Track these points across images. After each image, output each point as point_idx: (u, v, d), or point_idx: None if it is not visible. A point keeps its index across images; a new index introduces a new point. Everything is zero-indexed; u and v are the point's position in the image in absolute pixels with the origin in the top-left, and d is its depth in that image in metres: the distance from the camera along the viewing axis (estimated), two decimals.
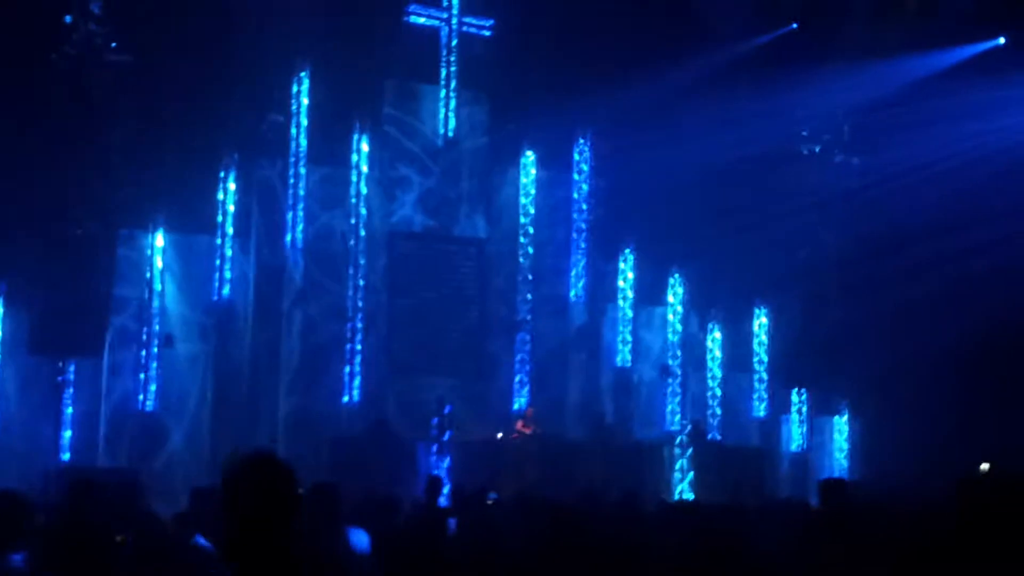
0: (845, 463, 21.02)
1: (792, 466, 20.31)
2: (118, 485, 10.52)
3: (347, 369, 18.11)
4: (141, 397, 17.27)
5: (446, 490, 15.44)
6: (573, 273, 20.06)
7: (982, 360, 21.03)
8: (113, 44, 17.94)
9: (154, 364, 17.34)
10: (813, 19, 22.02)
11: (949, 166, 21.37)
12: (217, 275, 17.85)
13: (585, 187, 20.26)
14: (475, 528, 8.62)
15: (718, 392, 20.53)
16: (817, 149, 22.16)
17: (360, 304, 18.33)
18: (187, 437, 17.55)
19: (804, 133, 21.99)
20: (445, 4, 19.63)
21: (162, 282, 17.62)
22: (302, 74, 18.35)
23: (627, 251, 20.28)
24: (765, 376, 20.89)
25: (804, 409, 20.91)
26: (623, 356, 19.99)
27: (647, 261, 20.35)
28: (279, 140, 18.41)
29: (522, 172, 20.01)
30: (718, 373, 20.57)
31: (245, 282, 18.12)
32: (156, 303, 17.51)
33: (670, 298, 20.46)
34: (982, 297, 20.46)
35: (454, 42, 19.62)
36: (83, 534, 7.24)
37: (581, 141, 20.33)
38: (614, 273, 20.30)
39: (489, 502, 13.60)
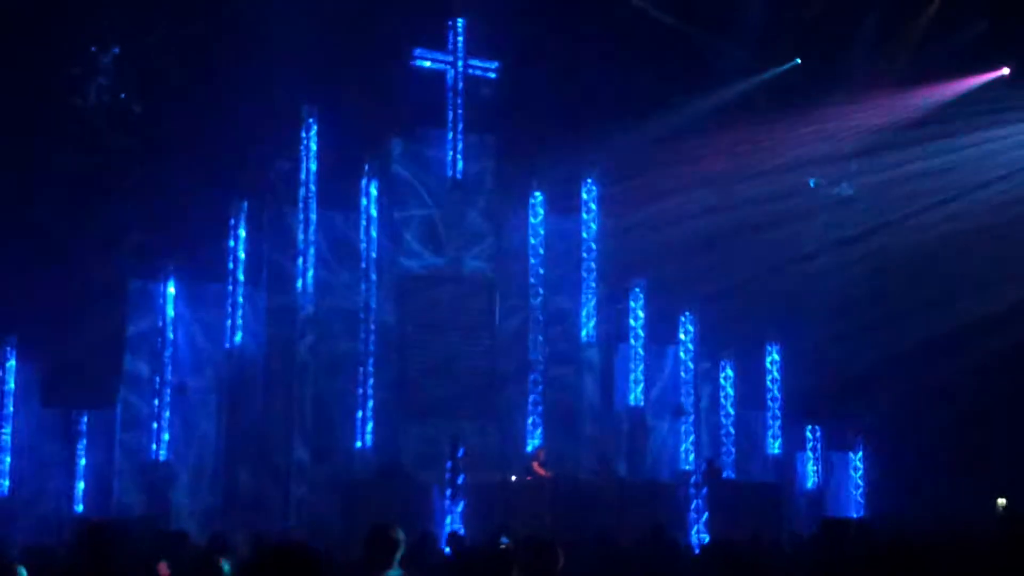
0: (861, 500, 20.87)
1: (808, 503, 20.15)
2: (141, 535, 10.45)
3: (360, 414, 18.06)
4: (154, 447, 17.24)
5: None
6: (584, 313, 20.03)
7: (997, 397, 20.94)
8: (123, 95, 18.09)
9: (167, 413, 17.32)
10: (816, 54, 22.11)
11: (961, 202, 21.40)
12: (229, 322, 17.86)
13: (594, 226, 20.26)
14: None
15: (732, 430, 20.44)
16: (824, 183, 22.19)
17: (372, 348, 18.30)
18: (200, 486, 17.48)
19: (811, 168, 22.01)
20: (451, 47, 19.76)
21: (174, 330, 17.63)
22: (310, 120, 18.43)
23: (637, 290, 20.25)
24: (779, 413, 20.79)
25: (819, 446, 20.79)
26: (635, 395, 19.92)
27: (658, 299, 20.30)
28: (288, 185, 18.46)
29: (531, 213, 20.03)
30: (731, 411, 20.49)
31: (257, 328, 18.12)
32: (168, 351, 17.51)
33: (682, 336, 20.41)
34: (997, 334, 20.37)
35: (460, 85, 19.73)
36: None
37: (589, 181, 20.34)
38: (625, 312, 20.24)
39: (502, 547, 13.48)
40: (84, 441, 16.91)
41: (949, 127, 21.57)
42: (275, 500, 17.40)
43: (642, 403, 19.91)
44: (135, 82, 18.17)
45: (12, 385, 16.82)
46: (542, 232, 19.98)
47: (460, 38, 19.76)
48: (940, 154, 21.69)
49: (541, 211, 20.04)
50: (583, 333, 19.97)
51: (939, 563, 7.64)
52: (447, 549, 14.58)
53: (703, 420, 20.26)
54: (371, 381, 18.17)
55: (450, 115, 19.67)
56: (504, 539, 14.66)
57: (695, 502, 18.06)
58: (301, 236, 18.20)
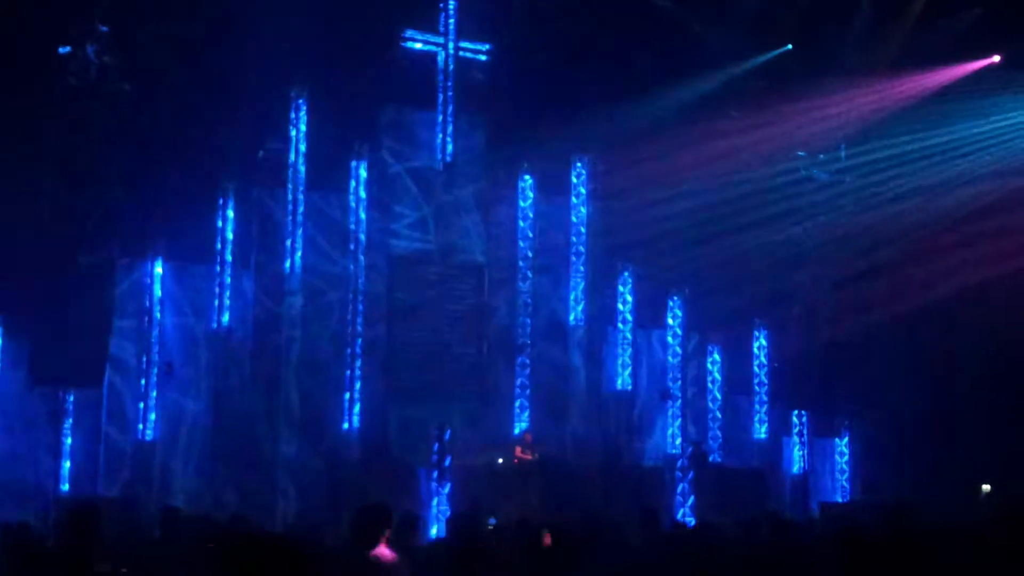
0: (846, 484, 20.95)
1: (793, 488, 20.23)
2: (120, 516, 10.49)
3: (347, 395, 18.07)
4: (140, 426, 17.23)
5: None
6: (572, 296, 20.04)
7: (983, 381, 21.02)
8: (111, 74, 18.00)
9: (154, 393, 17.30)
10: (808, 39, 22.09)
11: (950, 186, 21.47)
12: (216, 302, 17.83)
13: (583, 210, 20.26)
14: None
15: (718, 414, 20.50)
16: (814, 169, 22.22)
17: (359, 330, 18.29)
18: (187, 466, 17.50)
19: (801, 153, 22.02)
20: (442, 29, 19.69)
21: (161, 310, 17.60)
22: (299, 101, 18.37)
23: (625, 274, 20.26)
24: (765, 398, 20.85)
25: (805, 431, 20.84)
26: (623, 379, 19.95)
27: (646, 283, 20.33)
28: (277, 167, 18.41)
29: (520, 196, 20.02)
30: (718, 395, 20.55)
31: (245, 309, 18.09)
32: (155, 332, 17.49)
33: (669, 320, 20.44)
34: (982, 318, 20.46)
35: (451, 67, 19.66)
36: (82, 566, 7.18)
37: (578, 164, 20.34)
38: (613, 296, 20.27)
39: (489, 527, 13.53)
40: (70, 420, 16.88)
41: (940, 112, 21.62)
42: (261, 481, 17.41)
43: (630, 387, 19.97)
44: (123, 62, 18.06)
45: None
46: (531, 215, 19.98)
47: (451, 20, 19.69)
48: (931, 138, 21.74)
49: (531, 194, 20.04)
50: (571, 316, 19.99)
51: (925, 549, 7.68)
52: (435, 531, 14.63)
53: (689, 404, 20.31)
54: (359, 363, 18.17)
55: (440, 97, 19.61)
56: (492, 520, 14.70)
57: (681, 486, 18.15)
58: (289, 217, 18.17)
